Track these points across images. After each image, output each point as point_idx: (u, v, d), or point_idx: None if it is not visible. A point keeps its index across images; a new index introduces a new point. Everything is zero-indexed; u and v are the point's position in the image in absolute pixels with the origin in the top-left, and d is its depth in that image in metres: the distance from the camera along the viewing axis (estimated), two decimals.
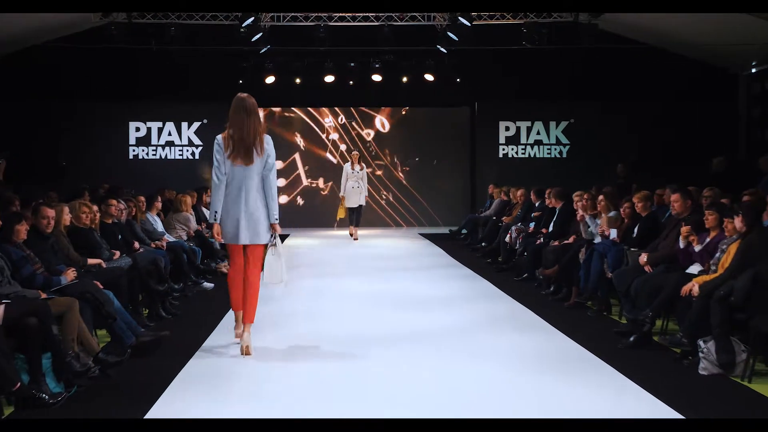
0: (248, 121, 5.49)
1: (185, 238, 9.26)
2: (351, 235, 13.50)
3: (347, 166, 13.39)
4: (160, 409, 4.36)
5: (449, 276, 9.48)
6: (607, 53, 14.23)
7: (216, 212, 5.53)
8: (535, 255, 8.72)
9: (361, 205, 13.42)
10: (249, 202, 5.48)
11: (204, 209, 11.18)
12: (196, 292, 8.23)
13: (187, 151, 15.81)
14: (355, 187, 13.24)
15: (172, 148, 15.80)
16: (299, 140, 16.13)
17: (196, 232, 9.52)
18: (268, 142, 5.56)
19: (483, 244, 11.70)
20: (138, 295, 6.78)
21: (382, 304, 7.52)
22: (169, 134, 15.80)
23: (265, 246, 5.58)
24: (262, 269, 5.64)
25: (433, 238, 13.88)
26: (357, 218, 13.55)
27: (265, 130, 5.71)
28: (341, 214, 13.58)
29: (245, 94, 5.62)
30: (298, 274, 9.27)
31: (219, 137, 5.58)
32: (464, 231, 13.31)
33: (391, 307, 7.33)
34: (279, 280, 5.64)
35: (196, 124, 15.83)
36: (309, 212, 16.09)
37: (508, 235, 10.11)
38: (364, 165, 13.67)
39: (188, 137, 15.81)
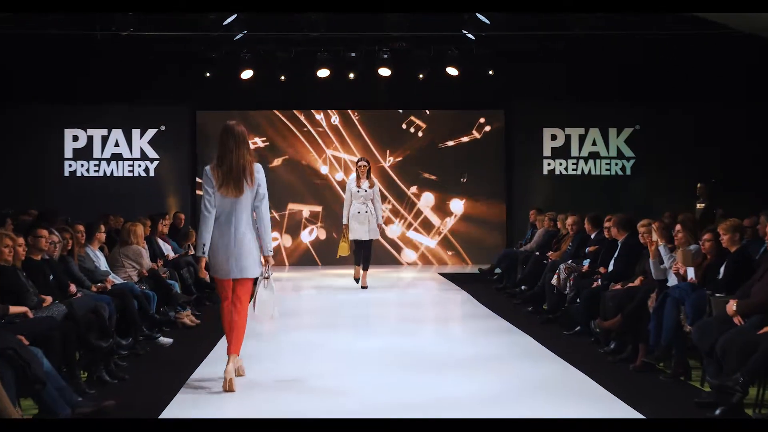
0: (237, 151, 6.56)
1: (136, 279, 9.29)
2: (356, 279, 12.67)
3: (351, 183, 12.49)
4: None
5: (478, 329, 9.46)
6: (686, 41, 14.32)
7: (204, 245, 6.59)
8: (591, 302, 8.71)
9: (371, 239, 12.42)
10: (239, 235, 6.57)
11: (160, 240, 11.22)
12: (149, 350, 8.23)
13: (140, 166, 15.95)
14: (362, 212, 12.32)
15: (120, 162, 15.94)
16: (283, 151, 16.25)
17: (151, 272, 9.56)
18: (258, 171, 6.64)
19: (523, 287, 11.69)
20: (74, 354, 6.78)
21: (391, 365, 7.53)
22: (117, 145, 15.97)
23: (256, 279, 6.68)
24: (251, 301, 6.75)
25: (458, 280, 13.90)
26: (365, 256, 12.51)
27: (255, 158, 6.76)
28: (343, 250, 12.57)
29: (234, 122, 6.72)
30: (285, 325, 9.29)
31: (207, 168, 6.66)
32: (498, 270, 13.31)
33: (403, 370, 7.32)
34: (270, 315, 6.82)
35: (151, 132, 16.00)
36: (299, 246, 16.15)
37: (556, 276, 10.09)
38: (375, 181, 12.70)
39: (141, 149, 15.97)
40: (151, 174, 15.98)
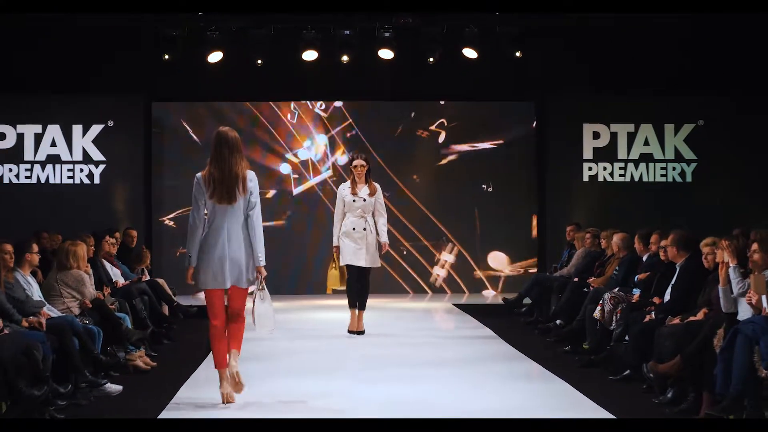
0: (230, 159, 7.70)
1: (77, 311, 9.30)
2: (352, 330, 11.80)
3: (344, 189, 11.72)
4: None
5: (504, 374, 9.43)
6: (764, 17, 14.31)
7: (190, 256, 7.71)
8: (643, 340, 8.70)
9: (370, 266, 11.70)
10: (232, 244, 7.70)
11: (107, 263, 11.24)
12: (93, 400, 8.22)
13: (81, 171, 15.99)
14: (358, 228, 11.56)
15: (58, 166, 15.97)
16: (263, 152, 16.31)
17: (95, 303, 9.57)
18: (251, 179, 7.76)
19: (558, 321, 11.69)
20: (0, 404, 6.79)
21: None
22: (53, 144, 16.01)
23: (251, 292, 7.74)
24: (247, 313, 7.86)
25: (478, 312, 13.91)
26: (362, 291, 11.72)
27: (248, 166, 7.85)
28: (334, 281, 11.80)
29: (226, 128, 7.87)
30: (266, 370, 9.32)
31: (199, 176, 7.78)
32: (527, 300, 13.31)
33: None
34: (269, 327, 7.91)
35: (96, 129, 16.04)
36: (285, 272, 16.17)
37: (599, 308, 10.10)
38: (377, 186, 11.82)
39: (83, 149, 16.00)
40: (96, 180, 16.01)
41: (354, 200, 11.60)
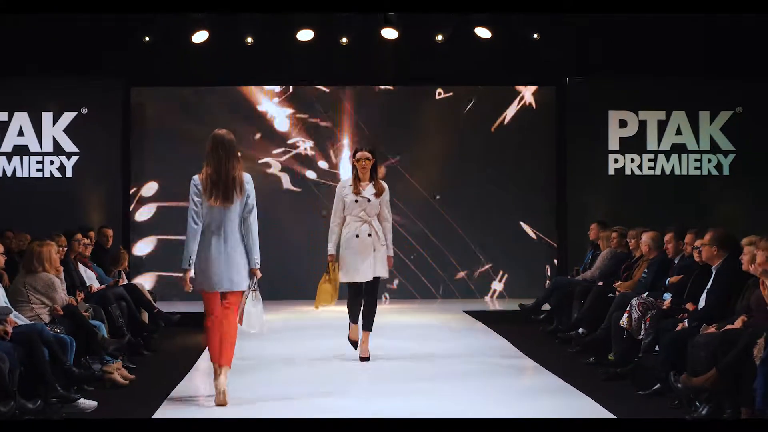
0: (226, 162, 8.45)
1: (47, 318, 9.31)
2: (354, 343, 10.97)
3: (345, 188, 10.78)
4: None
5: (520, 389, 9.46)
6: None
7: (190, 257, 8.43)
8: (675, 350, 8.70)
9: (376, 278, 10.72)
10: (228, 246, 8.48)
11: (81, 266, 11.23)
12: (65, 416, 8.23)
13: (52, 163, 15.98)
14: (362, 235, 10.62)
15: (25, 158, 15.96)
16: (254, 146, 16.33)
17: (67, 309, 9.57)
18: (248, 181, 8.55)
19: (580, 330, 11.69)
20: None
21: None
22: (20, 134, 16.00)
23: (244, 292, 8.57)
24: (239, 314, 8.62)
25: (492, 320, 13.94)
26: (369, 309, 10.81)
27: (243, 168, 8.65)
28: (324, 297, 10.82)
29: (223, 131, 8.62)
30: (251, 383, 9.32)
31: (196, 178, 8.50)
32: (547, 307, 13.30)
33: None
34: (258, 328, 8.68)
35: (68, 116, 16.02)
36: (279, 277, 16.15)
37: (626, 315, 10.09)
38: (384, 185, 10.86)
39: (54, 139, 15.99)
40: (68, 174, 16.00)
41: (357, 200, 10.60)
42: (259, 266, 8.60)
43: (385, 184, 10.87)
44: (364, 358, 10.76)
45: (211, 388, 8.77)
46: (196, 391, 9.22)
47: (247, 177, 8.58)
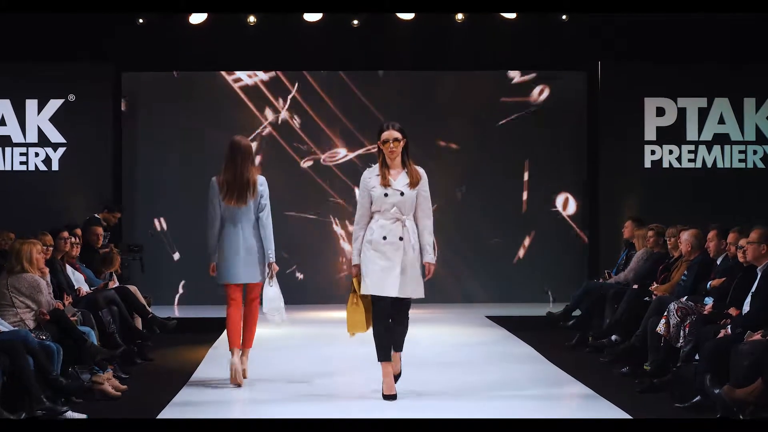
0: (242, 166, 9.95)
1: (32, 324, 9.30)
2: (391, 398, 9.24)
3: (371, 179, 9.30)
4: None
5: (548, 400, 9.47)
6: None
7: (213, 252, 10.09)
8: (717, 359, 8.66)
9: (410, 297, 9.29)
10: (246, 241, 10.04)
11: (69, 267, 11.23)
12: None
13: (37, 155, 16.03)
14: (391, 237, 9.14)
15: (8, 149, 16.00)
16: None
17: (54, 314, 9.56)
18: (261, 183, 10.06)
19: (614, 337, 11.69)
20: None
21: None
22: (2, 123, 16.08)
23: (263, 284, 10.19)
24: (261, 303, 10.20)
25: (516, 327, 13.96)
26: (398, 330, 9.36)
27: (259, 171, 10.23)
28: (356, 322, 9.38)
29: (240, 137, 10.21)
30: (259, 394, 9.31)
31: (214, 179, 10.02)
32: (577, 312, 13.28)
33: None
34: (279, 317, 10.23)
35: (54, 104, 16.03)
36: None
37: (663, 321, 10.07)
38: (421, 171, 9.35)
39: (38, 129, 16.01)
40: (54, 167, 16.05)
41: (386, 194, 9.17)
42: (274, 260, 10.09)
43: (421, 170, 9.33)
44: (388, 396, 9.23)
45: (211, 397, 9.06)
46: (194, 403, 9.22)
47: (261, 179, 10.08)
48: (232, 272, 10.12)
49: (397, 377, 9.35)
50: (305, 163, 16.67)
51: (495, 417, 8.70)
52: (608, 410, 8.99)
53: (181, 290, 16.63)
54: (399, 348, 9.36)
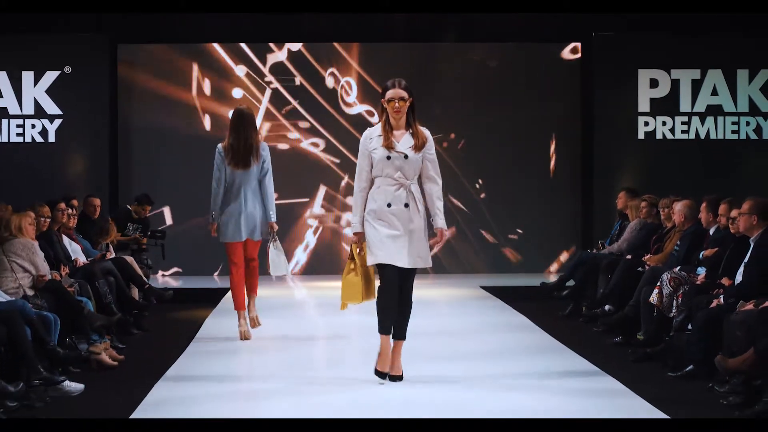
0: (245, 132, 10.74)
1: (28, 292, 9.35)
2: (383, 375, 8.75)
3: (372, 139, 8.72)
4: None
5: (543, 370, 9.50)
6: None
7: (213, 212, 10.89)
8: (709, 329, 8.72)
9: (416, 267, 8.75)
10: (248, 203, 10.81)
11: (65, 238, 11.27)
12: (49, 400, 8.27)
13: (33, 127, 16.03)
14: (396, 203, 8.61)
15: (5, 121, 16.01)
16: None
17: (51, 284, 9.61)
18: (264, 148, 10.93)
19: (607, 307, 11.75)
20: None
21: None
22: None
23: (266, 243, 11.00)
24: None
25: (511, 297, 14.03)
26: (403, 308, 8.74)
27: (261, 137, 11.55)
28: (351, 292, 8.82)
29: (244, 106, 11.03)
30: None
31: (219, 146, 10.85)
32: (570, 283, 13.32)
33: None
34: (283, 272, 11.20)
35: (50, 76, 16.03)
36: None
37: (656, 291, 10.11)
38: (426, 132, 8.77)
39: (35, 100, 16.01)
40: (51, 138, 16.06)
41: (389, 157, 8.60)
42: (275, 220, 10.98)
43: (427, 132, 8.78)
44: (398, 376, 8.78)
45: (209, 369, 9.13)
46: (191, 373, 9.27)
47: (263, 145, 10.95)
48: (234, 231, 10.85)
49: (397, 378, 8.75)
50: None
51: (487, 387, 8.79)
52: (602, 380, 9.03)
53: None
54: (401, 335, 8.77)
